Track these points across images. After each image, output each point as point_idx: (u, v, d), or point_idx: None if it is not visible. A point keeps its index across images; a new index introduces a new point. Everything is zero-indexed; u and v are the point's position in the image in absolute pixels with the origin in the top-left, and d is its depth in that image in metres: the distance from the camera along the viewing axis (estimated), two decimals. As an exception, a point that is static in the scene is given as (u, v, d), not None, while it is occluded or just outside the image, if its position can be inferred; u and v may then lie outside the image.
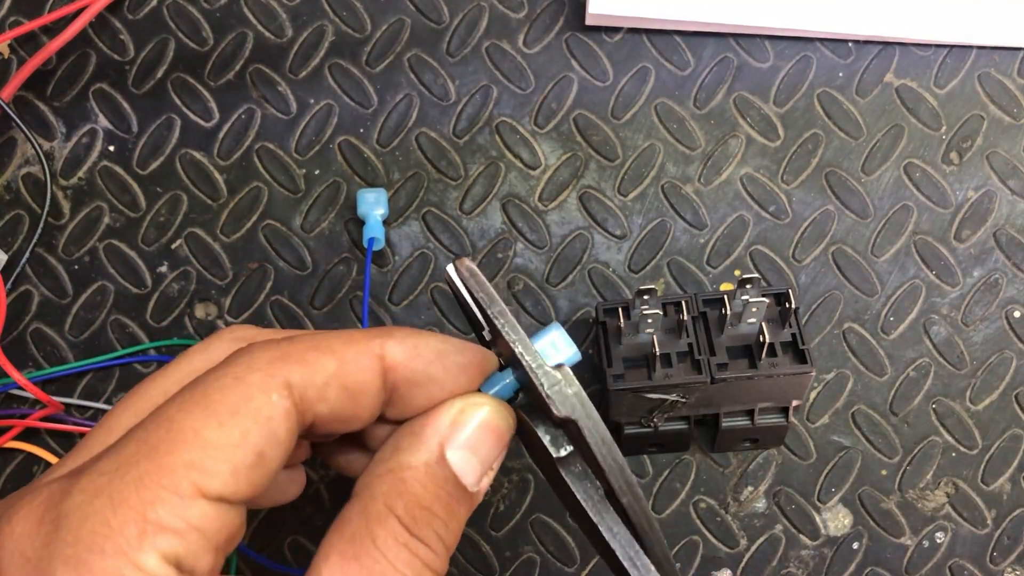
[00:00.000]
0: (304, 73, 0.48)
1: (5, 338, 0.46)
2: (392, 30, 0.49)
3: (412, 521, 0.25)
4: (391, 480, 0.25)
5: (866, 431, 0.44)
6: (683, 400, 0.39)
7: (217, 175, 0.48)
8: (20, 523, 0.23)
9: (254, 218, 0.47)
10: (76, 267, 0.47)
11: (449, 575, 0.43)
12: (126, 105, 0.48)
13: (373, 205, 0.45)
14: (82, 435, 0.45)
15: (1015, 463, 0.44)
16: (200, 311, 0.46)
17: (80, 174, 0.48)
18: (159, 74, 0.49)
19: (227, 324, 0.46)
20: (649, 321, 0.38)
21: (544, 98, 0.48)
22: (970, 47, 0.48)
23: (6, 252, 0.46)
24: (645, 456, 0.44)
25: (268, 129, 0.48)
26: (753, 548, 0.43)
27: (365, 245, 0.44)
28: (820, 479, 0.44)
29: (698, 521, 0.44)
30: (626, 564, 0.26)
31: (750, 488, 0.44)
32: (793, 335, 0.39)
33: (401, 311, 0.46)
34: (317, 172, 0.47)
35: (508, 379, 0.28)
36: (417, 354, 0.26)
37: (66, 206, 0.47)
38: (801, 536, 0.44)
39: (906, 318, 0.45)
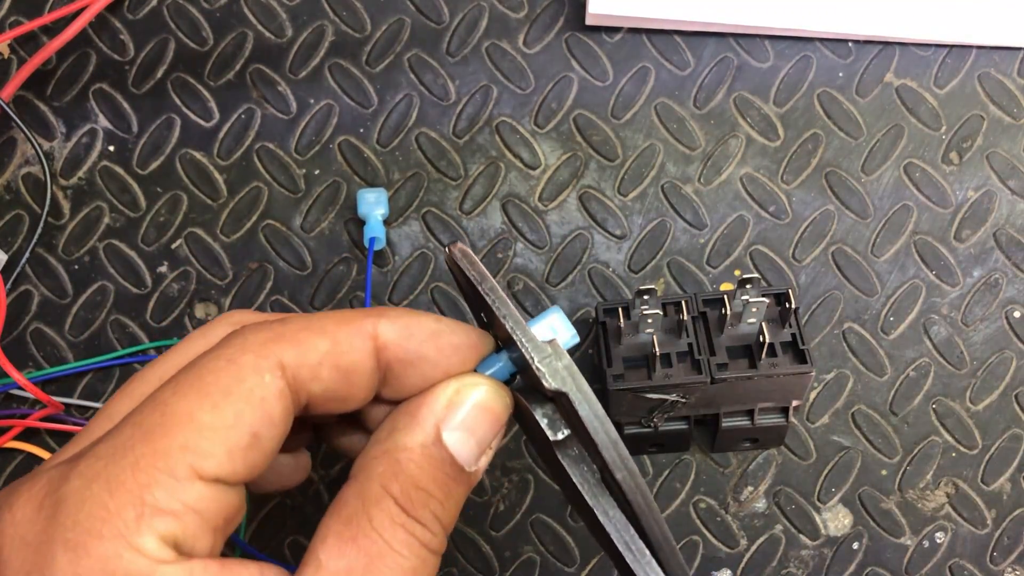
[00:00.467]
0: (304, 73, 0.48)
1: (5, 338, 0.46)
2: (392, 30, 0.49)
3: (408, 502, 0.25)
4: (387, 461, 0.25)
5: (866, 431, 0.44)
6: (683, 400, 0.39)
7: (217, 175, 0.48)
8: (20, 509, 0.23)
9: (254, 218, 0.47)
10: (76, 267, 0.47)
11: (449, 575, 0.43)
12: (126, 105, 0.48)
13: (374, 205, 0.45)
14: (82, 435, 0.45)
15: (1015, 463, 0.44)
16: (200, 311, 0.46)
17: (80, 174, 0.48)
18: (159, 74, 0.49)
19: (227, 324, 0.46)
20: (649, 321, 0.38)
21: (544, 98, 0.48)
22: (970, 47, 0.48)
23: (6, 252, 0.46)
24: (645, 456, 0.44)
25: (268, 129, 0.48)
26: (753, 548, 0.43)
27: (366, 244, 0.44)
28: (820, 479, 0.44)
29: (698, 521, 0.44)
30: (621, 548, 0.26)
31: (750, 488, 0.44)
32: (793, 335, 0.39)
33: (401, 311, 0.46)
34: (317, 172, 0.47)
35: (503, 360, 0.28)
36: (410, 334, 0.26)
37: (66, 206, 0.47)
38: (801, 536, 0.44)
39: (906, 318, 0.45)
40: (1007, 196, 0.46)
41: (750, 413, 0.41)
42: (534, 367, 0.25)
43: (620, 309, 0.39)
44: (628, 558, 0.26)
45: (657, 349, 0.38)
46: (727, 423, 0.41)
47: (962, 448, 0.44)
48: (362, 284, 0.46)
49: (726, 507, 0.44)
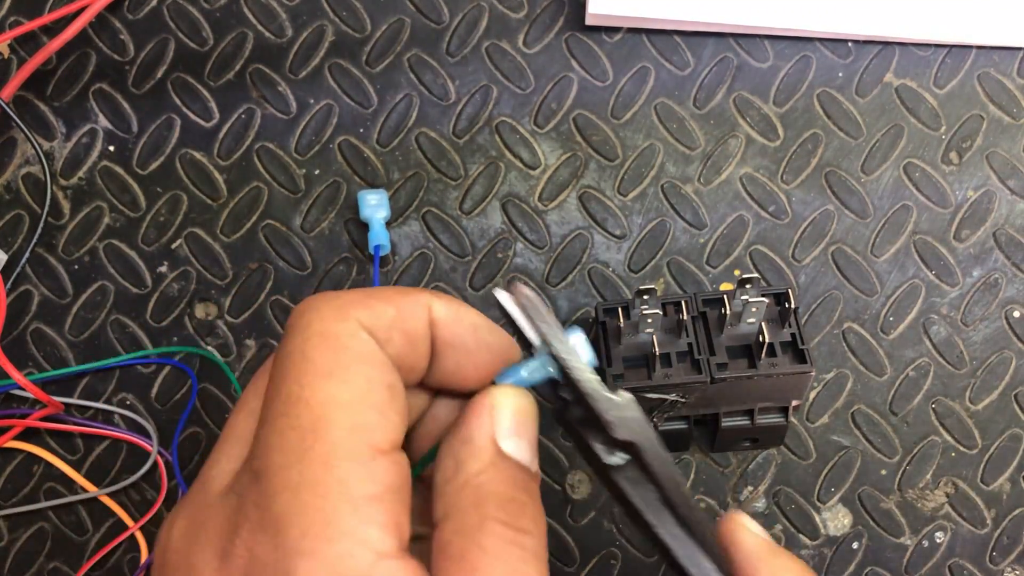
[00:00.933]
0: (304, 73, 0.48)
1: (5, 338, 0.46)
2: (392, 30, 0.49)
3: (509, 517, 0.25)
4: (470, 491, 0.25)
5: (866, 431, 0.44)
6: (683, 400, 0.39)
7: (217, 175, 0.48)
8: (242, 543, 0.23)
9: (254, 218, 0.47)
10: (76, 267, 0.47)
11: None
12: (126, 105, 0.48)
13: (375, 208, 0.45)
14: (82, 435, 0.45)
15: (1015, 463, 0.44)
16: (200, 311, 0.46)
17: (80, 174, 0.48)
18: (159, 74, 0.49)
19: (227, 324, 0.46)
20: (649, 321, 0.38)
21: (544, 98, 0.48)
22: (969, 47, 0.48)
23: (6, 252, 0.46)
24: (645, 456, 0.44)
25: (268, 129, 0.48)
26: (753, 548, 0.43)
27: (371, 251, 0.45)
28: (820, 479, 0.44)
29: (698, 521, 0.44)
30: (688, 566, 0.27)
31: (750, 488, 0.44)
32: (793, 335, 0.39)
33: (401, 311, 0.46)
34: (317, 172, 0.47)
35: (525, 372, 0.28)
36: (458, 319, 0.27)
37: (66, 206, 0.47)
38: (801, 536, 0.44)
39: (906, 318, 0.45)
40: (1007, 196, 0.46)
41: (750, 413, 0.41)
42: (604, 419, 0.26)
43: (620, 309, 0.39)
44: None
45: (657, 349, 0.38)
46: (727, 423, 0.41)
47: (962, 448, 0.44)
48: (362, 284, 0.46)
49: (726, 507, 0.44)
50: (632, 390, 0.38)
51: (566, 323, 0.46)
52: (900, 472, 0.44)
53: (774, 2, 0.47)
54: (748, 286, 0.38)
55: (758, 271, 0.46)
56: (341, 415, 0.24)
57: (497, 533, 0.25)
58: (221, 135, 0.48)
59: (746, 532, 0.28)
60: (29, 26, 0.48)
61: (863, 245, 0.46)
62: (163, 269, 0.47)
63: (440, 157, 0.47)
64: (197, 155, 0.48)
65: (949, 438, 0.44)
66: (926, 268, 0.46)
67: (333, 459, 0.23)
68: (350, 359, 0.25)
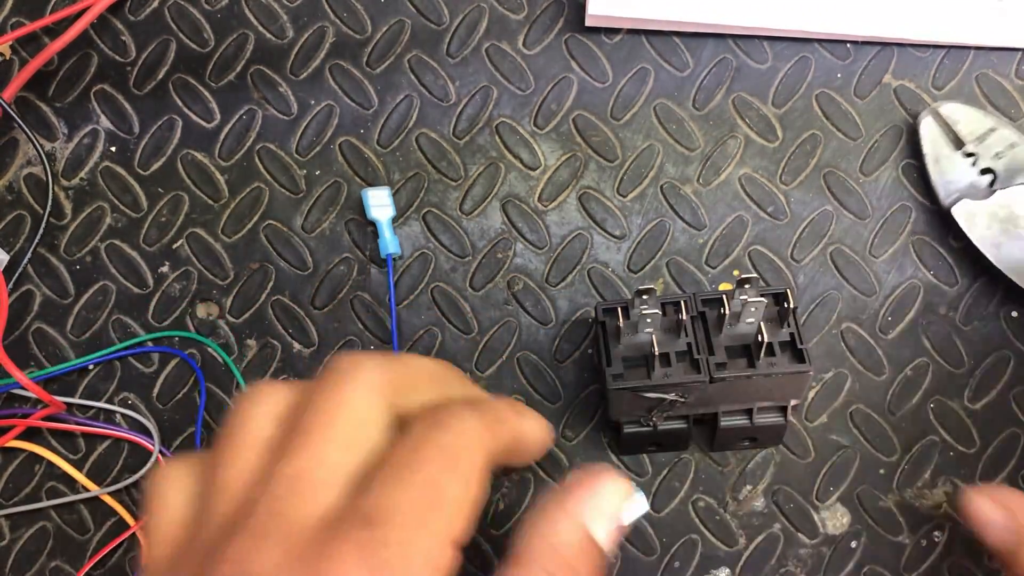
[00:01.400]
0: (305, 74, 0.49)
1: (7, 338, 0.46)
2: (392, 31, 0.49)
3: None
4: (545, 548, 0.30)
5: (864, 430, 0.44)
6: (682, 399, 0.39)
7: (218, 175, 0.48)
8: None
9: (255, 218, 0.47)
10: (78, 267, 0.47)
11: (449, 574, 0.44)
12: (128, 106, 0.49)
13: (382, 208, 0.45)
14: (84, 434, 0.45)
15: (1013, 462, 0.44)
16: (201, 311, 0.46)
17: (82, 174, 0.48)
18: (160, 75, 0.49)
19: (228, 324, 0.46)
20: (648, 321, 0.38)
21: (544, 99, 0.48)
22: (968, 48, 0.48)
23: (8, 252, 0.47)
24: (644, 455, 0.44)
25: (269, 130, 0.48)
26: (752, 547, 0.44)
27: (383, 256, 0.45)
28: (818, 478, 0.44)
29: (697, 520, 0.44)
30: None
31: (749, 487, 0.44)
32: (791, 335, 0.39)
33: (402, 311, 0.46)
34: (318, 172, 0.48)
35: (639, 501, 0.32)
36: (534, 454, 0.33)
37: (68, 206, 0.47)
38: (799, 535, 0.44)
39: (904, 318, 0.45)
40: (1005, 196, 0.47)
41: (749, 412, 0.41)
42: None
43: (619, 309, 0.39)
44: None
45: (656, 348, 0.38)
46: (726, 422, 0.42)
47: (960, 447, 0.44)
48: (363, 285, 0.46)
49: (725, 506, 0.44)
50: (631, 389, 0.39)
51: (566, 323, 0.46)
52: (898, 471, 0.44)
53: (773, 3, 0.47)
54: (747, 286, 0.38)
55: (757, 271, 0.46)
56: (446, 508, 0.27)
57: None
58: (222, 136, 0.48)
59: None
60: (31, 27, 0.48)
61: (862, 245, 0.46)
62: (164, 269, 0.47)
63: (440, 158, 0.48)
64: (198, 156, 0.48)
65: (947, 438, 0.44)
66: (924, 268, 0.46)
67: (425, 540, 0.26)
68: (465, 471, 0.28)
